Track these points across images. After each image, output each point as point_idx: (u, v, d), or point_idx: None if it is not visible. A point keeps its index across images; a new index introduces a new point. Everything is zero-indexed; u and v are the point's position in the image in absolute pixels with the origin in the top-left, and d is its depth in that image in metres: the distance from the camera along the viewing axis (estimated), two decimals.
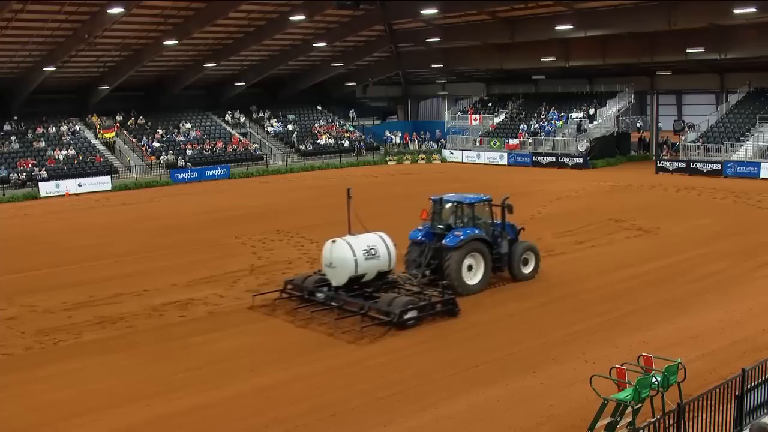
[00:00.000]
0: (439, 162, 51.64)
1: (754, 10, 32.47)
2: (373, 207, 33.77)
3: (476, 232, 17.74)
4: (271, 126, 54.73)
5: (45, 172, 41.50)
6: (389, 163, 52.04)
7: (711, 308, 16.14)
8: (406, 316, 15.16)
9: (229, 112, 54.05)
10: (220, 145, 49.44)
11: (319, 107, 59.09)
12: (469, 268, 17.55)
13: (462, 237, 17.34)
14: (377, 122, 62.08)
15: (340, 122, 58.15)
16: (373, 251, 16.35)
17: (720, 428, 9.31)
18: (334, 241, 16.43)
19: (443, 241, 17.44)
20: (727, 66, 44.21)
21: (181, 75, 48.72)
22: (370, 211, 29.99)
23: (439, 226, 18.13)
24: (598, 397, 9.52)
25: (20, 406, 12.08)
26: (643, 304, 16.55)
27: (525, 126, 50.35)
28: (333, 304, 16.31)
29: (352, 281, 16.30)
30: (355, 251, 16.09)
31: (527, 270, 18.72)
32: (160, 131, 49.11)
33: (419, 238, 18.11)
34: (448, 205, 18.33)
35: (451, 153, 52.31)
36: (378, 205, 32.52)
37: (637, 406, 9.23)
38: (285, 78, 55.13)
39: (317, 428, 10.96)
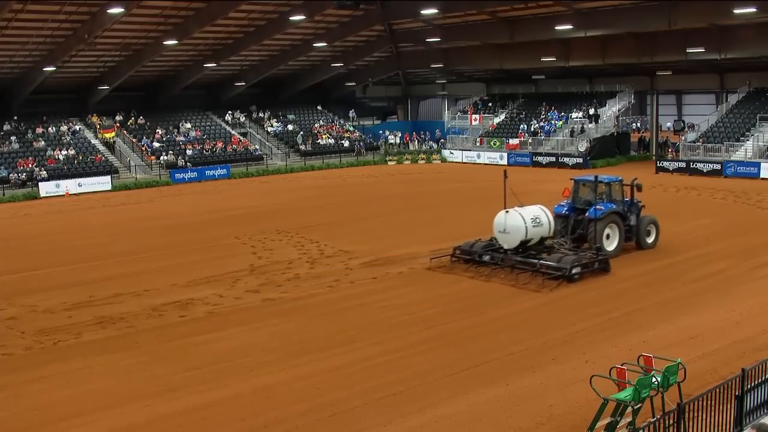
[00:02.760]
0: (439, 162, 51.62)
1: (754, 10, 32.44)
2: (376, 206, 33.78)
3: (613, 206, 20.83)
4: (271, 126, 54.72)
5: (45, 172, 41.50)
6: (389, 163, 52.02)
7: (711, 308, 16.14)
8: (574, 271, 18.16)
9: (229, 112, 54.04)
10: (220, 145, 49.44)
11: (319, 107, 59.07)
12: (607, 236, 20.58)
13: (603, 210, 20.43)
14: (377, 122, 62.06)
15: (340, 122, 58.13)
16: (538, 220, 19.50)
17: (720, 428, 9.32)
18: (507, 212, 19.47)
19: (587, 214, 20.51)
20: (727, 66, 44.20)
21: (181, 75, 48.71)
22: (373, 210, 30.07)
23: (584, 200, 21.23)
24: (598, 397, 9.52)
25: (20, 406, 12.07)
26: (643, 304, 16.55)
27: (525, 126, 50.34)
28: (502, 264, 19.30)
29: (521, 245, 19.40)
30: (525, 220, 19.24)
31: (650, 240, 21.83)
32: (160, 131, 49.10)
33: (564, 211, 21.30)
34: (589, 184, 21.28)
35: (451, 153, 52.29)
36: (379, 204, 32.53)
37: (637, 406, 9.23)
38: (285, 78, 55.13)
39: (317, 428, 10.96)
